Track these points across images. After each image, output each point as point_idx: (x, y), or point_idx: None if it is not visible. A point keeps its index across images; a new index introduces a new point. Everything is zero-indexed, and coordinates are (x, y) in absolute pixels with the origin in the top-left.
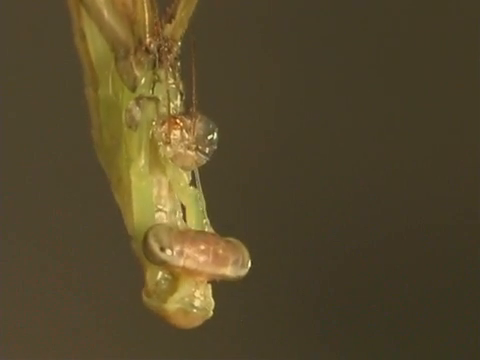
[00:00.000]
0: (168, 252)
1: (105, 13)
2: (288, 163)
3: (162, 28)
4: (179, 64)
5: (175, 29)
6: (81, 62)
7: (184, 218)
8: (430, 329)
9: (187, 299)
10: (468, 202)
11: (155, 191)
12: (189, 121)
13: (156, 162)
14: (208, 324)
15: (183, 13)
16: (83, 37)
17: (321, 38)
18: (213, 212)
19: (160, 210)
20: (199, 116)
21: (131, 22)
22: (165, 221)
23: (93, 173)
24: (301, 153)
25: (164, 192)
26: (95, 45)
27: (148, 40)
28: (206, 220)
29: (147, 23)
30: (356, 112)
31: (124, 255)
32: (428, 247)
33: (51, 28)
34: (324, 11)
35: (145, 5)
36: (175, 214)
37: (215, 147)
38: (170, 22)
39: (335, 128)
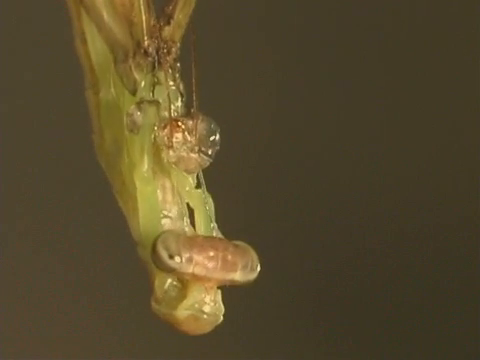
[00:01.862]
0: (177, 259)
1: (104, 14)
2: (288, 163)
3: (161, 29)
4: (179, 65)
5: (174, 30)
6: (82, 65)
7: (192, 222)
8: (430, 329)
9: (197, 305)
10: (468, 202)
11: (160, 196)
12: (191, 122)
13: (159, 166)
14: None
15: (182, 14)
16: (84, 40)
17: (322, 37)
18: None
19: (165, 216)
20: (201, 117)
21: (130, 24)
22: (170, 227)
23: (94, 176)
24: (301, 153)
25: (169, 197)
26: (95, 48)
27: (146, 43)
28: (214, 224)
29: (145, 25)
30: (357, 112)
31: (124, 256)
32: (428, 247)
33: (51, 31)
34: (325, 11)
35: (142, 7)
36: (182, 220)
37: (218, 148)
38: (169, 23)
39: (335, 127)
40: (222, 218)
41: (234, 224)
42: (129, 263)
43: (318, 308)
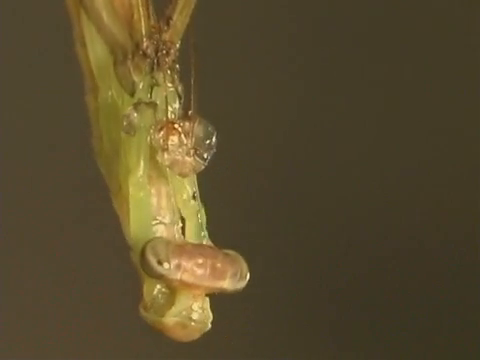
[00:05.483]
0: (165, 266)
1: (104, 15)
2: (287, 167)
3: (160, 31)
4: (178, 66)
5: (173, 31)
6: (82, 69)
7: (183, 230)
8: (431, 330)
9: (185, 312)
10: (468, 202)
11: (154, 202)
12: (188, 125)
13: (156, 171)
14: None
15: (181, 15)
16: (83, 44)
17: (320, 42)
18: (212, 217)
19: (160, 222)
20: (198, 119)
21: (129, 25)
22: (164, 233)
23: (94, 179)
24: (300, 158)
25: (164, 203)
26: (95, 51)
27: (145, 44)
28: (204, 233)
29: (143, 27)
30: (358, 115)
31: (123, 258)
32: (429, 247)
33: (52, 35)
34: (325, 13)
35: (141, 9)
36: (174, 226)
37: (214, 151)
38: (168, 24)
39: (336, 130)
40: (217, 222)
41: (229, 228)
42: (127, 266)
43: (316, 311)
